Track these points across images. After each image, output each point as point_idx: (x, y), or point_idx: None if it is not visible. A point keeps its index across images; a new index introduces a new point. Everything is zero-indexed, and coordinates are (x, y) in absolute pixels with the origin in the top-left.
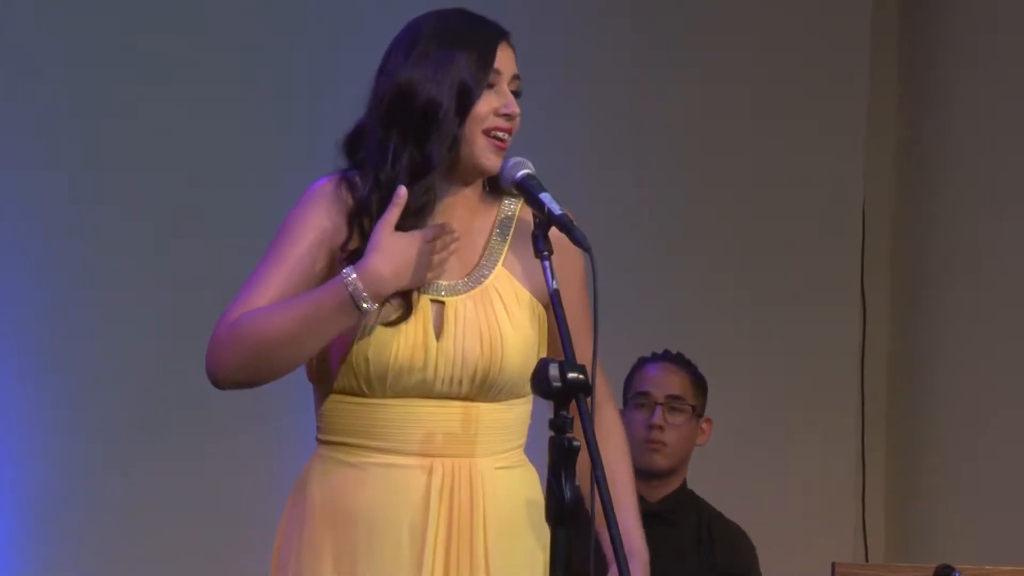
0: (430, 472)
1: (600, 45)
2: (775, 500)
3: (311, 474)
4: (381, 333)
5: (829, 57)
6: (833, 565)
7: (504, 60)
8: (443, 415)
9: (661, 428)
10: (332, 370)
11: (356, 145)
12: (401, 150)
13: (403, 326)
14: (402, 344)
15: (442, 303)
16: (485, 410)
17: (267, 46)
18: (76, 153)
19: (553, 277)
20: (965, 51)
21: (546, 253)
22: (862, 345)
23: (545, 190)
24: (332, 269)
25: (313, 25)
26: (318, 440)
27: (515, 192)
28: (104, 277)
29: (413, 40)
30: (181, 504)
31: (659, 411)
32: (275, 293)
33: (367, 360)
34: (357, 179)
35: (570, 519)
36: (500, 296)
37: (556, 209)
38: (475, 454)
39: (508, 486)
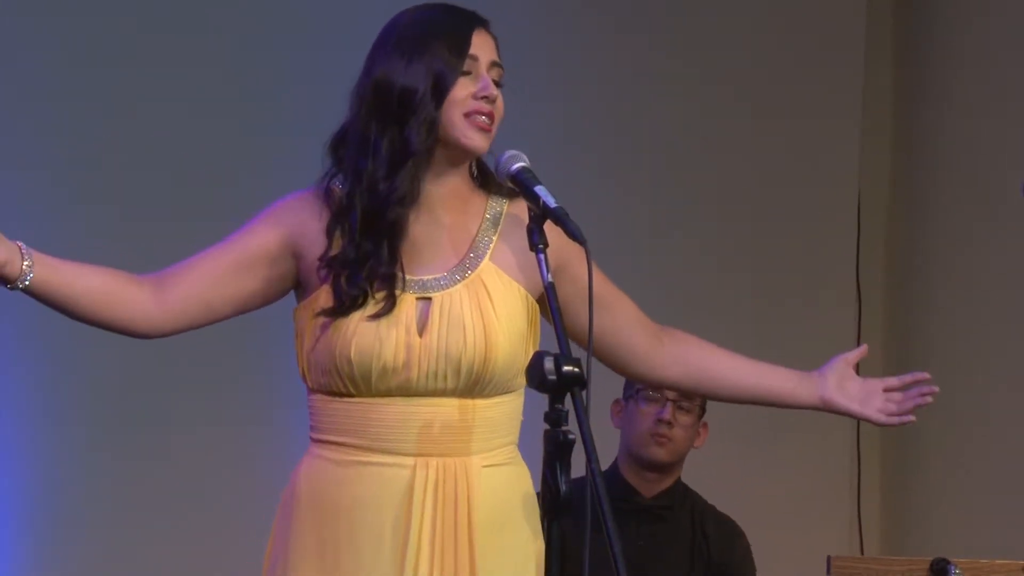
0: (414, 470)
1: (595, 43)
2: (771, 494)
3: (299, 473)
4: (364, 334)
5: (824, 54)
6: (829, 558)
7: (481, 46)
8: (428, 413)
9: (670, 424)
10: (318, 370)
11: (340, 145)
12: (380, 139)
13: (386, 327)
14: (385, 345)
15: (428, 299)
16: (471, 407)
17: (263, 45)
18: (72, 152)
19: (548, 270)
20: (958, 47)
21: (541, 246)
22: (857, 338)
23: (540, 183)
24: (294, 274)
25: (308, 23)
26: (311, 438)
27: (504, 187)
28: None
29: (390, 36)
30: (180, 503)
31: (669, 407)
32: (177, 270)
33: (350, 362)
34: (336, 187)
35: (565, 513)
36: (487, 289)
37: (551, 202)
38: (461, 452)
39: (496, 484)
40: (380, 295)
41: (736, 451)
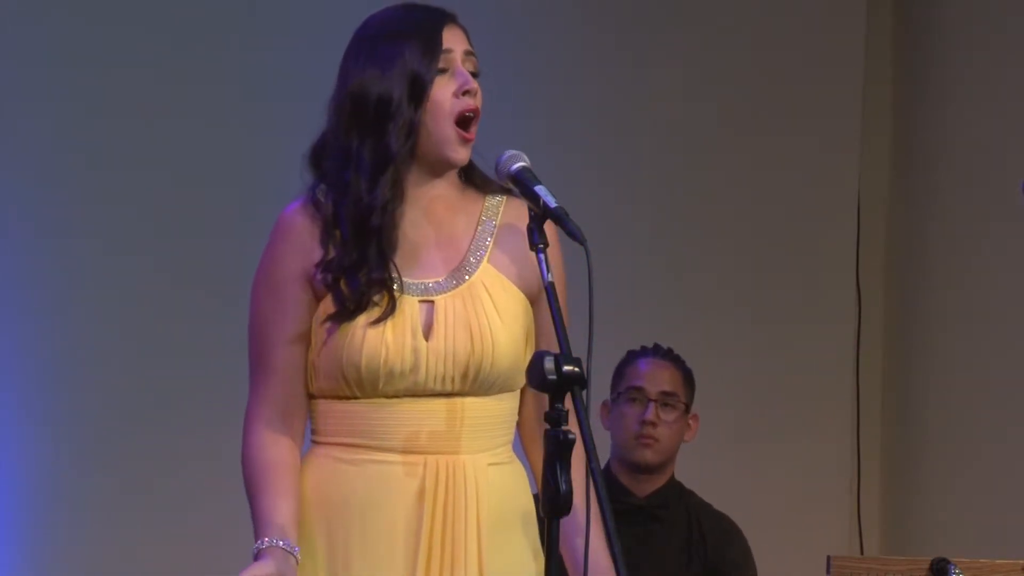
0: (424, 468)
1: (595, 46)
2: (770, 494)
3: (304, 470)
4: (370, 340)
5: (824, 55)
6: (829, 558)
7: (452, 39)
8: (436, 413)
9: (654, 424)
10: (323, 376)
11: (320, 156)
12: (361, 149)
13: (390, 331)
14: (391, 349)
15: (431, 302)
16: (477, 405)
17: (260, 45)
18: (71, 153)
19: (548, 270)
20: (959, 47)
21: (541, 246)
22: (857, 338)
23: (540, 183)
24: (316, 290)
25: (305, 24)
26: (314, 441)
27: (499, 188)
28: (100, 276)
29: (360, 43)
30: (180, 505)
31: (652, 407)
32: (277, 389)
33: (357, 368)
34: (320, 197)
35: (565, 512)
36: (488, 291)
37: (551, 202)
38: (468, 449)
39: (500, 483)
40: (379, 298)
41: (736, 451)
